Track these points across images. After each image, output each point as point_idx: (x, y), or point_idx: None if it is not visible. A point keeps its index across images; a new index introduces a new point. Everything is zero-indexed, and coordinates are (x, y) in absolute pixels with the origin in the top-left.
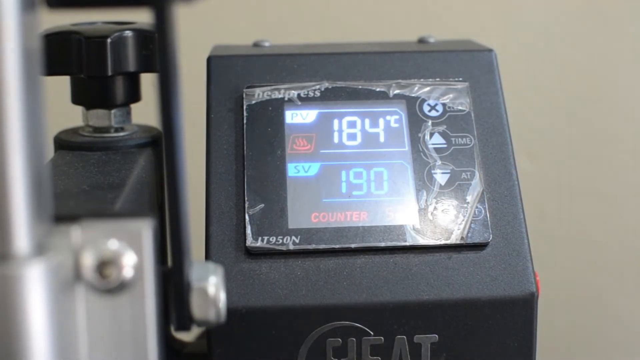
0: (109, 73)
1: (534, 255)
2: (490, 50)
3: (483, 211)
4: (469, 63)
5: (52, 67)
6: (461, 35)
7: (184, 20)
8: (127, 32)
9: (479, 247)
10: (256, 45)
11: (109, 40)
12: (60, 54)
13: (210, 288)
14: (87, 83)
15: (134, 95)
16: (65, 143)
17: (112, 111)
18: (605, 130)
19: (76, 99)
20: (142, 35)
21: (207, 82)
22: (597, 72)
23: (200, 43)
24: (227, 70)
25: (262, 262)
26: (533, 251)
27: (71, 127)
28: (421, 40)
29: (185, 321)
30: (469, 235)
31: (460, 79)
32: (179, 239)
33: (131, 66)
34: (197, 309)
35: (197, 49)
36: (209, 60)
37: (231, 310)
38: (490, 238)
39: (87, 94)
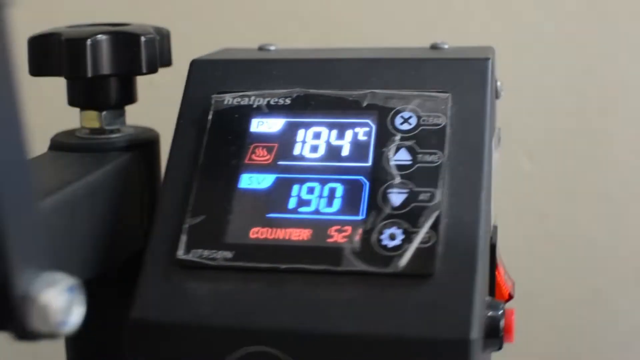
0: (89, 75)
1: (533, 255)
2: (485, 59)
3: (434, 239)
4: (458, 73)
5: (38, 69)
6: (460, 35)
7: (195, 23)
8: (104, 35)
9: (420, 279)
10: (261, 49)
11: (88, 42)
12: (43, 55)
13: (45, 298)
14: (76, 85)
15: (126, 97)
16: (55, 144)
17: (102, 113)
18: (606, 130)
19: (69, 100)
20: (119, 37)
21: (185, 86)
22: (597, 72)
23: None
24: (207, 75)
25: (191, 276)
26: (533, 251)
27: (70, 129)
28: (434, 47)
29: (22, 333)
30: (411, 265)
31: (443, 89)
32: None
33: (106, 69)
34: (33, 320)
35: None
36: (191, 64)
37: (152, 324)
38: (435, 270)
39: (76, 96)
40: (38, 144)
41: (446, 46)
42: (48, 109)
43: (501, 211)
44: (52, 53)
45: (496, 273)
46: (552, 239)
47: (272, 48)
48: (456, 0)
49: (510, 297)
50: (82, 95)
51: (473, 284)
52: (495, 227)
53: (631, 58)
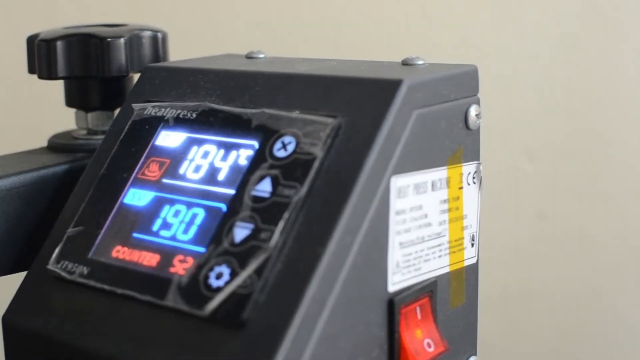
0: (57, 75)
1: (533, 254)
2: (396, 82)
3: (255, 285)
4: (364, 96)
5: (29, 67)
6: (459, 37)
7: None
8: (65, 38)
9: (229, 327)
10: (249, 57)
11: (45, 44)
12: (30, 55)
13: None
14: (66, 86)
15: (115, 98)
16: (49, 142)
17: (89, 114)
18: (606, 130)
19: (65, 101)
20: (80, 40)
21: (130, 92)
22: (597, 72)
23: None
24: (149, 82)
25: (55, 287)
26: (532, 251)
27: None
28: (405, 63)
29: None
30: (218, 311)
31: (335, 113)
32: None
33: (66, 71)
34: None
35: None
36: (143, 70)
37: (15, 327)
38: (246, 320)
39: (67, 97)
40: None
41: (420, 62)
42: None
43: (501, 211)
44: (33, 53)
45: (400, 336)
46: (551, 239)
47: (261, 56)
48: (456, 1)
49: None
50: (69, 96)
51: (281, 341)
52: (435, 282)
53: (631, 58)
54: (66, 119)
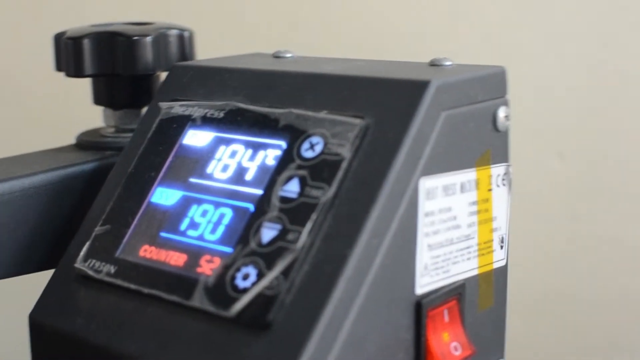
0: (84, 73)
1: (565, 258)
2: (424, 83)
3: (282, 286)
4: (391, 96)
5: (56, 65)
6: (489, 39)
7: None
8: (100, 35)
9: (254, 329)
10: (276, 56)
11: (84, 40)
12: (58, 52)
13: None
14: (94, 84)
15: (142, 97)
16: (77, 139)
17: (117, 112)
18: (636, 130)
19: (94, 99)
20: (106, 38)
21: (157, 90)
22: (627, 71)
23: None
24: (177, 81)
25: (81, 285)
26: (563, 251)
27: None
28: (432, 64)
29: None
30: (245, 312)
31: (363, 114)
32: None
33: (92, 69)
34: None
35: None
36: (171, 69)
37: (42, 326)
38: (272, 322)
39: (95, 95)
40: None
41: (448, 63)
42: None
43: (532, 213)
44: (60, 51)
45: (427, 339)
46: (583, 239)
47: (289, 55)
48: (486, 1)
49: None
50: (97, 94)
51: (306, 343)
52: (463, 285)
53: None
54: (95, 117)
